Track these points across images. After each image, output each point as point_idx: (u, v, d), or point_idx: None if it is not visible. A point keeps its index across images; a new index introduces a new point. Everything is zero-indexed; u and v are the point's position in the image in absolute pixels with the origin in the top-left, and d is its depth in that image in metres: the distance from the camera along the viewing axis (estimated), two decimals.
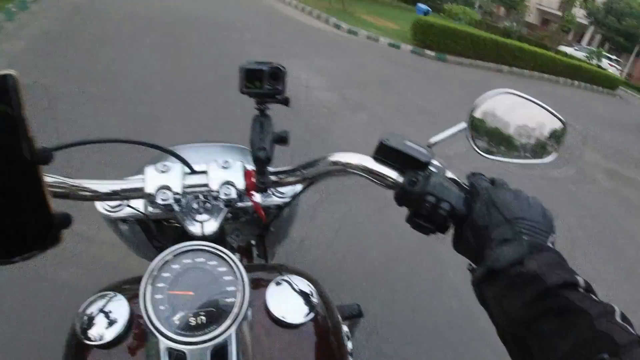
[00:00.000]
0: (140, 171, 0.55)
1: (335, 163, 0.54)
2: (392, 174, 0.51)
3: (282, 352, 0.52)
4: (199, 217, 0.58)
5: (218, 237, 0.59)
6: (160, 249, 0.56)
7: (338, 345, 0.59)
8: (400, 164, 0.50)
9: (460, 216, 0.46)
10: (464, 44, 10.13)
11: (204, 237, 0.57)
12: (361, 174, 0.52)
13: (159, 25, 5.80)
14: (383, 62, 7.60)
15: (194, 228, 0.57)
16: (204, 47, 5.24)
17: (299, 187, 0.68)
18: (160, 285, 0.44)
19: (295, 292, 0.56)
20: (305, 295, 0.56)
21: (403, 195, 0.48)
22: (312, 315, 0.54)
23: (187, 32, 5.82)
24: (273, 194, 0.72)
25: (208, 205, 0.59)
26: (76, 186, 0.49)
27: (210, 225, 0.58)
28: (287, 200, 0.72)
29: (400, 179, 0.50)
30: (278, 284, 0.56)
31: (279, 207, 0.72)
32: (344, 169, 0.54)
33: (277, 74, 0.52)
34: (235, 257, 0.46)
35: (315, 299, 0.56)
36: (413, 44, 9.66)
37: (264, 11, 9.47)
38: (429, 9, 10.39)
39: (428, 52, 9.55)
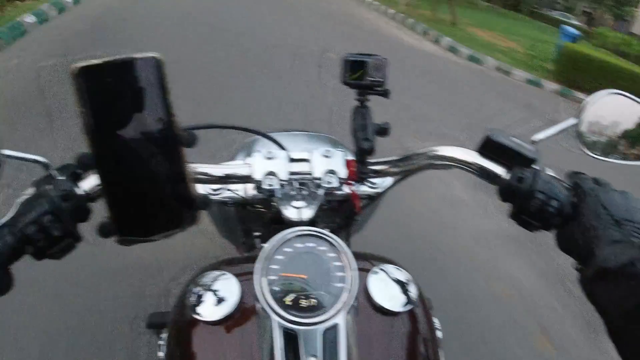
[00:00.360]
0: (234, 156, 0.61)
1: (439, 157, 0.56)
2: (498, 169, 0.51)
3: (382, 339, 0.53)
4: (296, 203, 0.59)
5: (312, 225, 0.58)
6: (246, 232, 0.56)
7: (432, 336, 0.59)
8: (506, 160, 0.50)
9: (566, 215, 0.46)
10: (624, 86, 7.30)
11: (300, 223, 0.57)
12: (466, 168, 0.54)
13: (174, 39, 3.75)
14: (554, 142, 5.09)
15: (291, 214, 0.58)
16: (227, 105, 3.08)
17: (390, 180, 0.68)
18: (274, 266, 0.46)
19: (393, 281, 0.55)
20: (402, 285, 0.55)
21: (509, 191, 0.48)
22: (410, 304, 0.53)
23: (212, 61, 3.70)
24: (366, 185, 0.73)
25: (304, 192, 0.60)
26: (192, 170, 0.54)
27: (306, 212, 0.58)
28: (379, 191, 0.71)
29: (506, 175, 0.50)
30: (376, 272, 0.55)
31: (370, 198, 0.73)
32: (448, 163, 0.55)
33: (379, 66, 0.54)
34: (345, 244, 0.48)
35: (412, 289, 0.55)
36: (558, 82, 7.00)
37: (338, 22, 7.17)
38: (578, 32, 7.40)
39: (578, 94, 6.86)
